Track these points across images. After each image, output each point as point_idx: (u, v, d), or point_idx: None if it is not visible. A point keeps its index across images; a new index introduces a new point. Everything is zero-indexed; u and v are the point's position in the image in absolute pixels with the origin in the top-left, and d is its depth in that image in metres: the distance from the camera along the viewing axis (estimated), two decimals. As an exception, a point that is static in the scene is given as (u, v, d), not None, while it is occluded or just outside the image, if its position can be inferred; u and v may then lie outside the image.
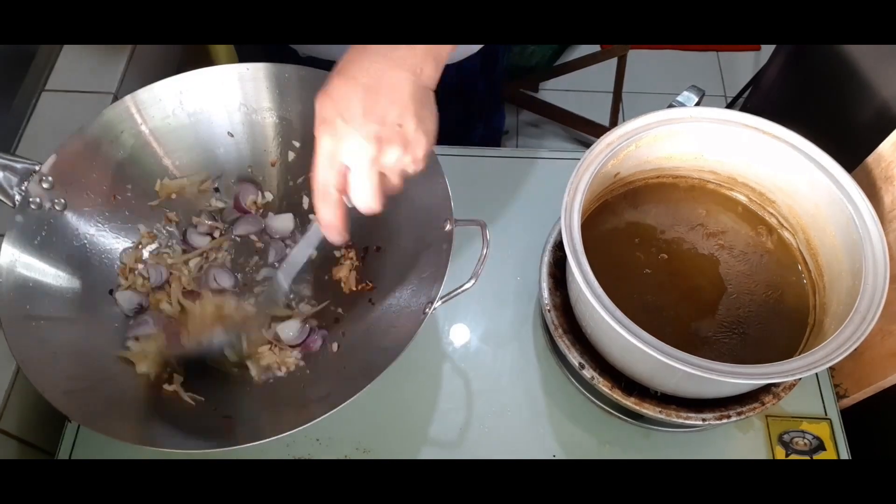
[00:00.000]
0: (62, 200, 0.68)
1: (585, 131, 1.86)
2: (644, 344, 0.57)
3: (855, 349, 0.56)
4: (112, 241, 0.73)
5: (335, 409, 0.56)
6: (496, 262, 0.82)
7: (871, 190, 0.71)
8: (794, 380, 0.67)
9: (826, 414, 0.74)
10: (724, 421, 0.66)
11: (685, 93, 0.74)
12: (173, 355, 0.69)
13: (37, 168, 0.66)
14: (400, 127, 0.51)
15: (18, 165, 0.66)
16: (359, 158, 0.51)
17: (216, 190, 0.79)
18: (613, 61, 1.76)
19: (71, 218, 0.69)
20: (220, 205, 0.79)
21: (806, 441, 0.72)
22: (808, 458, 0.71)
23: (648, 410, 0.67)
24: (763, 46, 2.12)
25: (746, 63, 2.10)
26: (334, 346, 0.71)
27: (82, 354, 0.65)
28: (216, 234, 0.78)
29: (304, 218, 0.79)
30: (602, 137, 0.69)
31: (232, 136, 0.77)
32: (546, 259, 0.75)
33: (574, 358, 0.69)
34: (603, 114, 1.84)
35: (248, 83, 0.74)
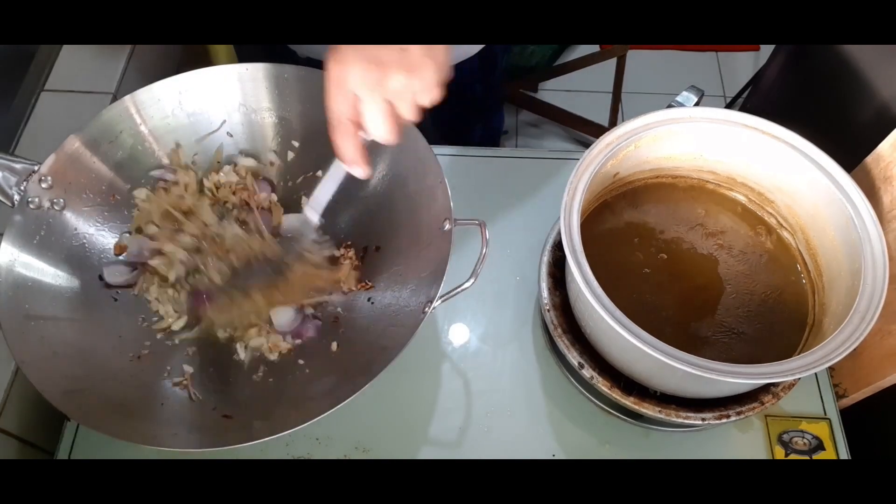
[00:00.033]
0: (61, 200, 0.68)
1: (585, 131, 1.86)
2: (643, 343, 0.57)
3: (854, 349, 0.56)
4: (111, 241, 0.73)
5: (335, 408, 0.56)
6: (495, 261, 0.82)
7: (871, 190, 0.71)
8: (794, 379, 0.67)
9: (825, 414, 0.74)
10: (724, 421, 0.66)
11: (684, 93, 0.74)
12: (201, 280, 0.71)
13: (36, 168, 0.66)
14: (403, 51, 0.50)
15: (18, 165, 0.66)
16: (365, 82, 0.51)
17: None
18: (613, 61, 1.76)
19: (70, 217, 0.69)
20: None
21: (805, 441, 0.72)
22: (807, 457, 0.72)
23: (648, 410, 0.67)
24: (762, 46, 2.12)
25: (746, 63, 2.10)
26: (334, 346, 0.71)
27: (82, 354, 0.64)
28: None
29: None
30: (601, 137, 0.69)
31: (231, 136, 0.77)
32: (545, 259, 0.75)
33: (573, 357, 0.70)
34: (602, 114, 1.84)
35: (248, 83, 0.75)
